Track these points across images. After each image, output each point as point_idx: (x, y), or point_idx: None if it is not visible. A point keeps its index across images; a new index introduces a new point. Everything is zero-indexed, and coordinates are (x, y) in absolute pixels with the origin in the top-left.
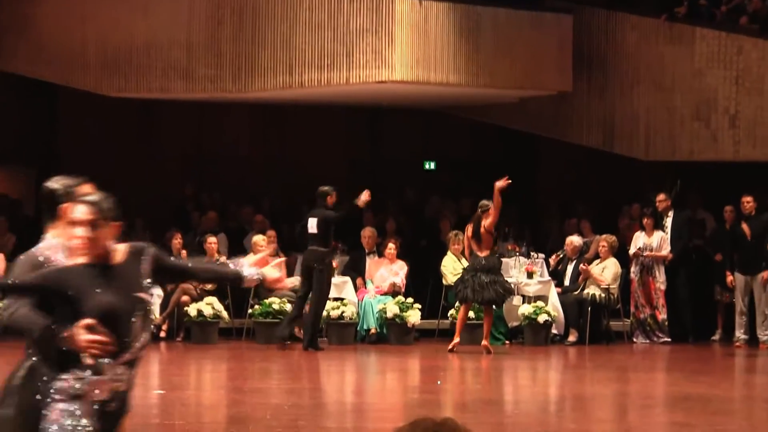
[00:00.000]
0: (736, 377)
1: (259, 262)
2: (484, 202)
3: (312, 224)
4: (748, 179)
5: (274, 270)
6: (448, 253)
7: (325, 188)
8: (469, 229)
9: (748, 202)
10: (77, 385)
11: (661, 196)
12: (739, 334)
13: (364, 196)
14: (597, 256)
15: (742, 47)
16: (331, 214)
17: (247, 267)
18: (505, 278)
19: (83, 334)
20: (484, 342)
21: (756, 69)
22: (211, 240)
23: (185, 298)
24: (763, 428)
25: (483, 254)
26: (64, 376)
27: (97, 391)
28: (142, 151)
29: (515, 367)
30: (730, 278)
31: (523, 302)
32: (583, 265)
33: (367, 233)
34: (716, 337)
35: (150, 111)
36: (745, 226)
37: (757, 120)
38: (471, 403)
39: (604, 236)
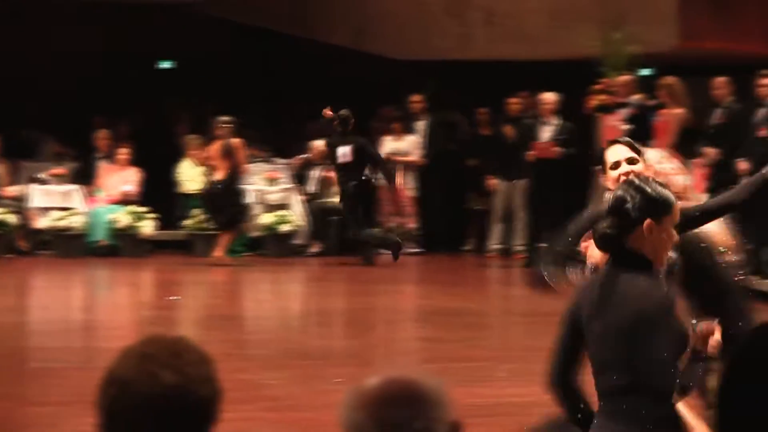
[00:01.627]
0: (490, 289)
1: None
2: (225, 118)
3: (345, 152)
4: (504, 79)
5: None
6: (186, 159)
7: (346, 112)
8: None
9: (515, 103)
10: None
11: (415, 97)
12: (493, 243)
13: None
14: None
15: None
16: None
17: None
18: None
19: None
20: (217, 253)
21: None
22: None
23: None
24: (517, 342)
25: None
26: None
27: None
28: None
29: (256, 280)
30: (493, 182)
31: (265, 211)
32: (328, 170)
33: (102, 135)
34: (469, 246)
35: None
36: (508, 129)
37: (514, 16)
38: (209, 319)
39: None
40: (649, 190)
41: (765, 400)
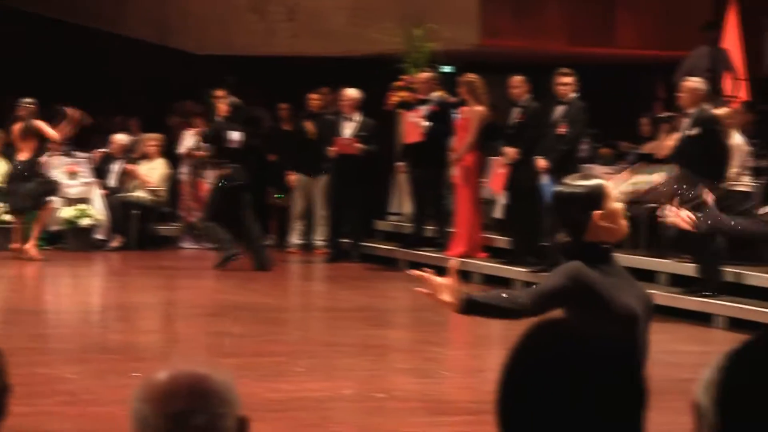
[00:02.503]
0: (290, 285)
1: None
2: (27, 99)
3: (238, 137)
4: (305, 75)
5: None
6: None
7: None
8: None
9: (315, 99)
10: None
11: (219, 92)
12: (294, 239)
13: None
14: (145, 155)
15: None
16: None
17: None
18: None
19: None
20: (28, 245)
21: None
22: None
23: None
24: (316, 338)
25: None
26: None
27: None
28: None
29: (56, 274)
30: (293, 177)
31: (65, 205)
32: (129, 165)
33: None
34: (270, 241)
35: None
36: (309, 125)
37: (316, 12)
38: (7, 312)
39: (151, 135)
40: (578, 189)
41: (542, 404)
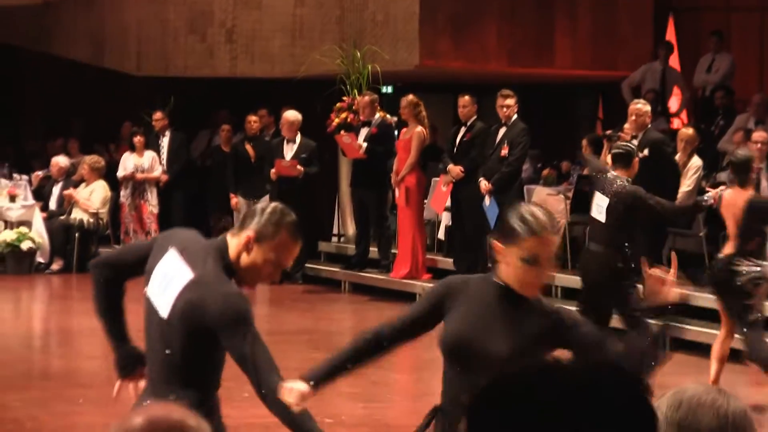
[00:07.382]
0: None
1: None
2: None
3: None
4: (246, 97)
5: None
6: None
7: None
8: None
9: (254, 121)
10: None
11: (158, 114)
12: None
13: None
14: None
15: None
16: None
17: None
18: None
19: None
20: None
21: None
22: None
23: None
24: None
25: None
26: None
27: None
28: None
29: None
30: (234, 201)
31: (5, 228)
32: (69, 188)
33: None
34: None
35: None
36: (249, 147)
37: (255, 35)
38: None
39: (89, 157)
40: None
41: None
